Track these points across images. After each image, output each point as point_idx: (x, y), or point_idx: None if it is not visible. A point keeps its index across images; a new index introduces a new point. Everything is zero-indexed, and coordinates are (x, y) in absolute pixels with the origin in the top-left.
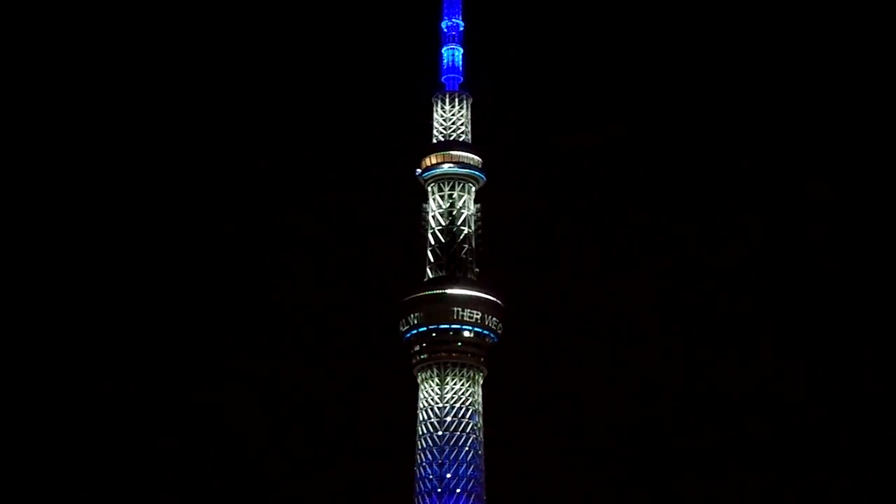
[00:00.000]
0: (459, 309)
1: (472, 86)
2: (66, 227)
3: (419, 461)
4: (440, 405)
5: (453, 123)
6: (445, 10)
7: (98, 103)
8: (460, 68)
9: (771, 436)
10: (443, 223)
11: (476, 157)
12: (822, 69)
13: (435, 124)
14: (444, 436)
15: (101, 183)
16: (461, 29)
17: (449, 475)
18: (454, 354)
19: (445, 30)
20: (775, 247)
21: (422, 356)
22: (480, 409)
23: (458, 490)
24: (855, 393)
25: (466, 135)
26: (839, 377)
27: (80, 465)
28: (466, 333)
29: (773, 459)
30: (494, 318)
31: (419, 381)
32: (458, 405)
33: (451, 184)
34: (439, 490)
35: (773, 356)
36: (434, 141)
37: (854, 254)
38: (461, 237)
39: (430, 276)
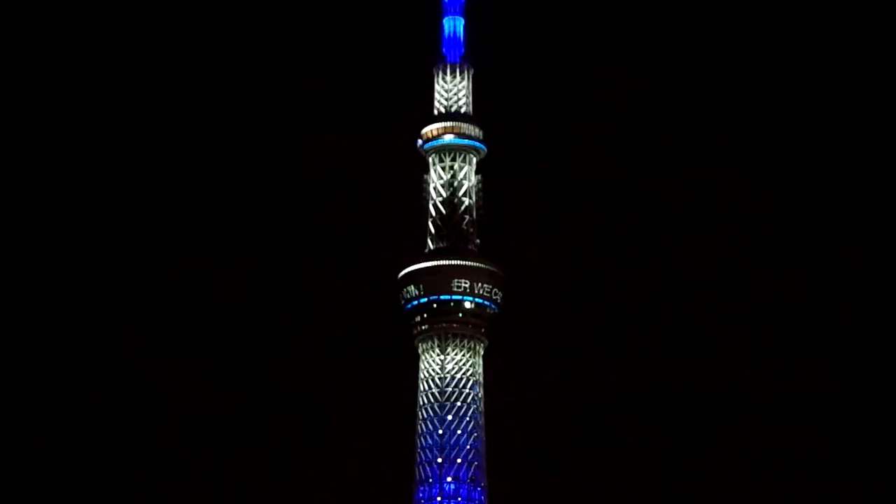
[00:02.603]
0: (460, 280)
1: (474, 57)
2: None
3: (420, 431)
4: (441, 376)
5: (454, 94)
6: None
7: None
8: (461, 39)
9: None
10: (444, 194)
11: (477, 129)
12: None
13: (436, 95)
14: (444, 406)
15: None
16: None
17: (450, 445)
18: (455, 325)
19: (446, 0)
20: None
21: (422, 327)
22: (481, 379)
23: (459, 460)
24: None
25: (468, 106)
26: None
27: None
28: (467, 304)
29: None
30: (496, 289)
31: (420, 351)
32: (458, 376)
33: (451, 155)
34: (440, 460)
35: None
36: (435, 112)
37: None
38: (462, 208)
39: (431, 247)
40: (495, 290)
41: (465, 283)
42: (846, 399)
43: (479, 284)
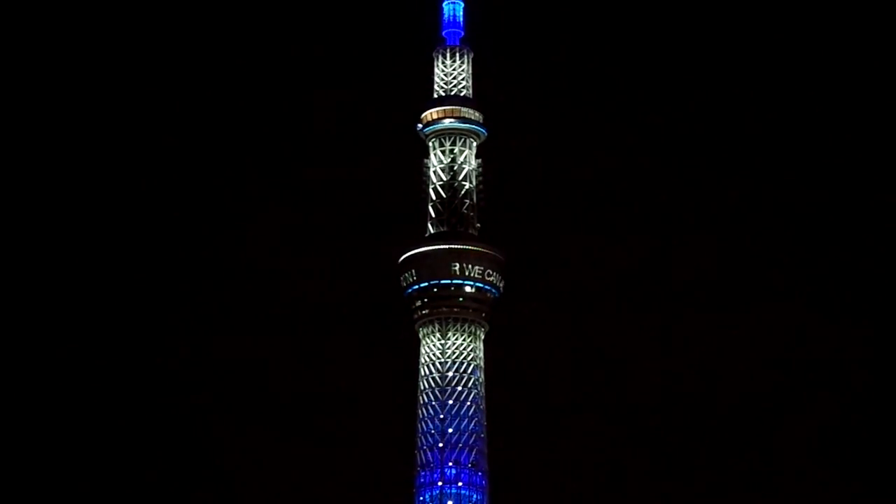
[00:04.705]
0: (461, 264)
1: (474, 40)
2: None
3: (421, 416)
4: (442, 360)
5: (454, 78)
6: None
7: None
8: (461, 23)
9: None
10: (444, 178)
11: (477, 113)
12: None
13: (436, 79)
14: (445, 391)
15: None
16: None
17: (451, 430)
18: (456, 310)
19: None
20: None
21: (423, 311)
22: (482, 364)
23: (460, 445)
24: None
25: (467, 90)
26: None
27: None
28: (468, 289)
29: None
30: (496, 274)
31: (420, 336)
32: (459, 360)
33: (451, 139)
34: (441, 445)
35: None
36: (435, 96)
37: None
38: (462, 192)
39: (432, 231)
40: (496, 274)
41: (466, 267)
42: None
43: (480, 269)
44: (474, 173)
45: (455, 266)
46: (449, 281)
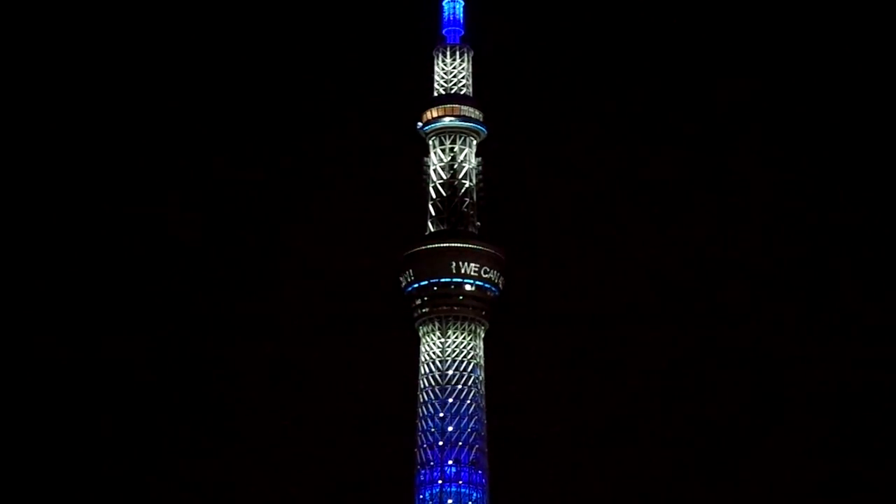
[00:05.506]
0: (461, 262)
1: (474, 39)
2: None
3: (421, 414)
4: (442, 359)
5: (454, 77)
6: None
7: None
8: (461, 21)
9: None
10: (444, 177)
11: (477, 111)
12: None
13: (436, 78)
14: (445, 389)
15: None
16: None
17: (451, 428)
18: (456, 308)
19: None
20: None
21: (423, 310)
22: (482, 362)
23: (460, 443)
24: None
25: (468, 88)
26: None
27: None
28: (468, 287)
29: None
30: (496, 272)
31: (421, 334)
32: (459, 359)
33: (451, 137)
34: (441, 443)
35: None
36: (435, 94)
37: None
38: (462, 191)
39: (432, 229)
40: (496, 272)
41: (466, 265)
42: None
43: (480, 267)
44: (474, 172)
45: (454, 264)
46: (449, 279)
